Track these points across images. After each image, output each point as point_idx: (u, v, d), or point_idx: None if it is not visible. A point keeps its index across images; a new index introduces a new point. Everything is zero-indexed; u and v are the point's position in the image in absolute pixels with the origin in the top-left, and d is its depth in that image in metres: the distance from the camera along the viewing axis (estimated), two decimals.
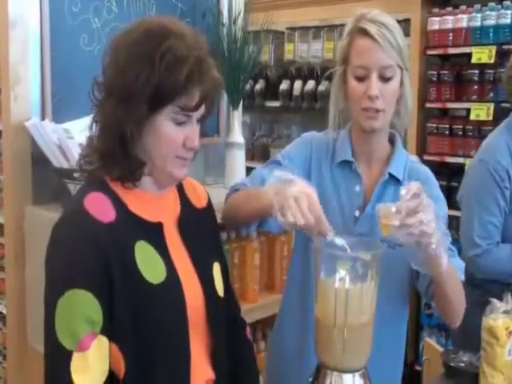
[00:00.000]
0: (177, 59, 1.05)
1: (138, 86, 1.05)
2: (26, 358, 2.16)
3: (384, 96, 1.35)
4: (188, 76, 1.06)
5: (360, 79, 1.35)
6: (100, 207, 1.08)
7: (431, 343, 2.03)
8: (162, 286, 1.10)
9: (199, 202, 1.30)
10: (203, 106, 1.12)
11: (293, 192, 1.15)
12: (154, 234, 1.13)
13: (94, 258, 1.04)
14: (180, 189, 1.27)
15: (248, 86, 4.07)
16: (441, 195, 1.48)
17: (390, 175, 1.43)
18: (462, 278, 1.40)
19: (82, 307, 1.02)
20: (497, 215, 2.04)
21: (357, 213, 1.43)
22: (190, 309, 1.15)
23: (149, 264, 1.10)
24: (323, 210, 1.30)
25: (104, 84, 1.12)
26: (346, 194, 1.43)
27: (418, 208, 1.12)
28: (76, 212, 1.09)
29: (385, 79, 1.35)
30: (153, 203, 1.17)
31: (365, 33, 1.34)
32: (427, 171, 1.50)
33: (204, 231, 1.27)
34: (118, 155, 1.09)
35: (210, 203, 1.34)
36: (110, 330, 1.05)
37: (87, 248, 1.04)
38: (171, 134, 1.09)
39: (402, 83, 1.39)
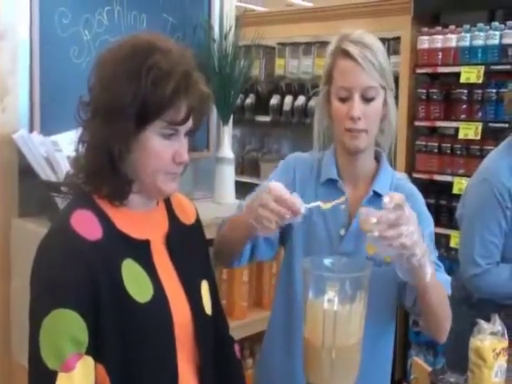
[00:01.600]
0: (162, 74, 1.05)
1: (124, 102, 1.04)
2: (11, 372, 2.13)
3: (366, 116, 1.35)
4: (174, 90, 1.05)
5: (343, 100, 1.36)
6: (86, 225, 1.07)
7: (419, 362, 2.02)
8: (149, 305, 1.09)
9: (187, 219, 1.29)
10: (190, 120, 1.12)
11: (258, 200, 1.19)
12: (141, 251, 1.12)
13: (80, 277, 1.02)
14: (168, 205, 1.26)
15: (238, 101, 4.07)
16: (427, 213, 1.48)
17: (375, 193, 1.43)
18: (449, 292, 1.39)
19: (67, 327, 1.01)
20: (498, 235, 2.05)
21: (342, 231, 1.43)
22: (178, 327, 1.13)
23: (136, 282, 1.09)
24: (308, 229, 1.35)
25: (90, 103, 1.11)
26: (331, 212, 1.39)
27: (399, 220, 1.11)
28: (62, 230, 1.08)
29: (367, 100, 1.36)
30: (140, 220, 1.15)
31: (347, 54, 1.35)
32: (413, 188, 1.50)
33: (192, 248, 1.26)
34: (106, 174, 1.08)
35: (198, 219, 1.33)
36: (95, 349, 1.03)
37: (74, 267, 1.02)
38: (159, 149, 1.09)
39: (385, 102, 1.40)
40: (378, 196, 1.41)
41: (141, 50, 1.07)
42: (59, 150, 1.97)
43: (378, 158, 1.48)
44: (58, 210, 1.97)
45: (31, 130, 2.10)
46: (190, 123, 1.12)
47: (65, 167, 1.96)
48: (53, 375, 0.99)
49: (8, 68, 2.05)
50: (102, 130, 1.07)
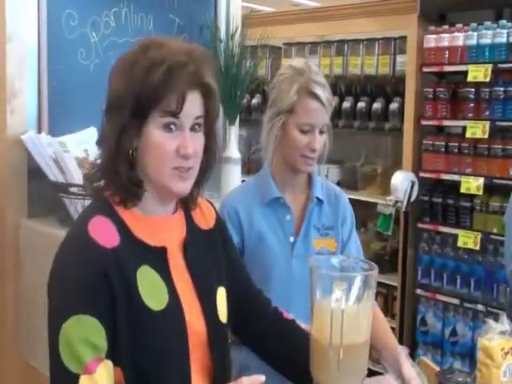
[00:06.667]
0: (153, 65, 1.05)
1: (118, 96, 1.07)
2: (20, 370, 2.15)
3: (320, 145, 1.62)
4: (163, 78, 1.05)
5: (305, 132, 1.60)
6: (104, 232, 1.07)
7: (427, 362, 2.01)
8: (164, 313, 1.09)
9: (206, 223, 1.27)
10: (193, 110, 1.09)
11: None
12: (157, 258, 1.12)
13: (99, 283, 1.03)
14: (186, 209, 1.24)
15: (244, 101, 4.08)
16: (349, 205, 1.77)
17: (316, 198, 1.69)
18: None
19: (86, 333, 1.01)
20: None
21: (292, 239, 1.66)
22: (191, 335, 1.13)
23: (151, 290, 1.09)
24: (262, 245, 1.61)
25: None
26: (279, 225, 1.66)
27: None
28: (80, 237, 1.08)
29: (321, 133, 1.62)
30: (157, 227, 1.15)
31: (315, 96, 1.58)
32: (335, 187, 1.80)
33: (210, 254, 1.24)
34: (114, 173, 1.08)
35: (218, 222, 1.30)
36: (113, 354, 1.04)
37: (92, 274, 1.03)
38: (161, 141, 1.07)
39: None
40: (318, 200, 1.70)
41: (141, 47, 1.09)
42: (67, 151, 1.99)
43: None
44: (66, 211, 1.99)
45: (39, 131, 2.11)
46: (192, 114, 1.09)
47: (73, 168, 1.97)
48: (76, 378, 1.01)
49: (16, 70, 2.07)
50: (106, 128, 1.09)
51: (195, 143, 1.11)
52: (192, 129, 1.11)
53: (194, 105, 1.09)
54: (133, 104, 1.05)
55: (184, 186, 1.12)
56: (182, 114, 1.08)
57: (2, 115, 2.09)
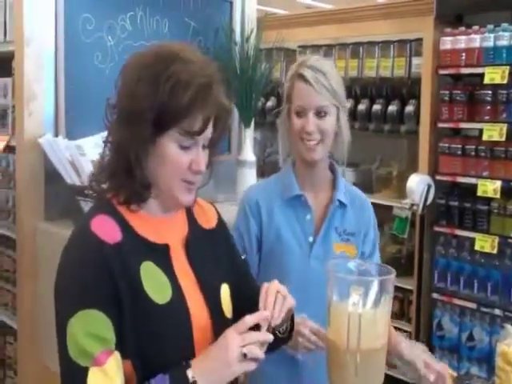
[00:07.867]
0: (181, 84, 1.07)
1: (142, 107, 1.07)
2: (37, 372, 2.16)
3: (321, 130, 1.56)
4: (191, 101, 1.07)
5: (300, 116, 1.58)
6: (106, 229, 1.10)
7: None
8: (168, 306, 1.11)
9: (207, 223, 1.30)
10: (209, 131, 1.13)
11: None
12: (160, 255, 1.14)
13: (101, 277, 1.05)
14: (188, 210, 1.27)
15: (259, 103, 4.07)
16: (374, 217, 1.71)
17: (339, 201, 1.64)
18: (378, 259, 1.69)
19: (93, 327, 1.03)
20: None
21: (311, 239, 1.62)
22: (196, 330, 1.14)
23: (154, 284, 1.10)
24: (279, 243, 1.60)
25: (115, 105, 1.14)
26: (298, 224, 1.63)
27: None
28: (83, 234, 1.10)
29: (320, 116, 1.57)
30: (160, 225, 1.17)
31: (302, 78, 1.56)
32: (362, 194, 1.73)
33: (212, 252, 1.26)
34: (123, 175, 1.11)
35: (220, 223, 1.34)
36: (120, 347, 1.06)
37: (94, 269, 1.05)
38: (176, 156, 1.11)
39: (338, 118, 1.60)
40: (340, 203, 1.65)
41: (163, 58, 1.10)
42: (83, 154, 2.00)
43: (331, 169, 1.69)
44: (82, 214, 2.00)
45: (56, 134, 2.13)
46: (208, 134, 1.14)
47: (89, 171, 1.98)
48: (85, 371, 1.02)
49: (34, 74, 2.09)
50: (121, 132, 1.10)
51: (205, 159, 1.15)
52: (204, 145, 1.15)
53: (210, 125, 1.13)
54: (155, 118, 1.08)
55: (191, 198, 1.17)
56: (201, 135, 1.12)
57: (19, 118, 2.12)
